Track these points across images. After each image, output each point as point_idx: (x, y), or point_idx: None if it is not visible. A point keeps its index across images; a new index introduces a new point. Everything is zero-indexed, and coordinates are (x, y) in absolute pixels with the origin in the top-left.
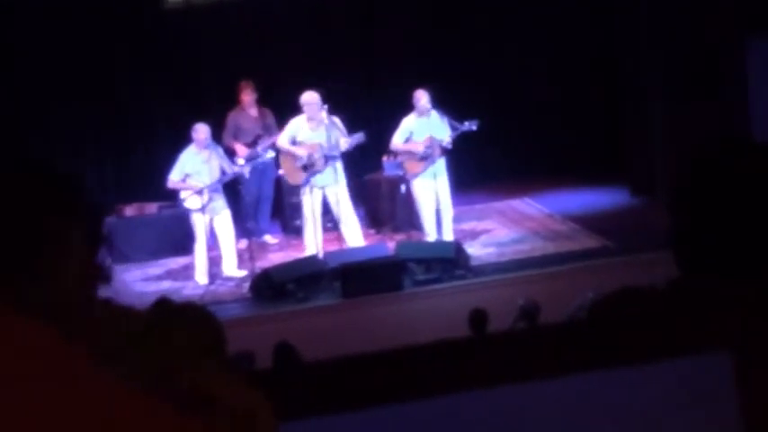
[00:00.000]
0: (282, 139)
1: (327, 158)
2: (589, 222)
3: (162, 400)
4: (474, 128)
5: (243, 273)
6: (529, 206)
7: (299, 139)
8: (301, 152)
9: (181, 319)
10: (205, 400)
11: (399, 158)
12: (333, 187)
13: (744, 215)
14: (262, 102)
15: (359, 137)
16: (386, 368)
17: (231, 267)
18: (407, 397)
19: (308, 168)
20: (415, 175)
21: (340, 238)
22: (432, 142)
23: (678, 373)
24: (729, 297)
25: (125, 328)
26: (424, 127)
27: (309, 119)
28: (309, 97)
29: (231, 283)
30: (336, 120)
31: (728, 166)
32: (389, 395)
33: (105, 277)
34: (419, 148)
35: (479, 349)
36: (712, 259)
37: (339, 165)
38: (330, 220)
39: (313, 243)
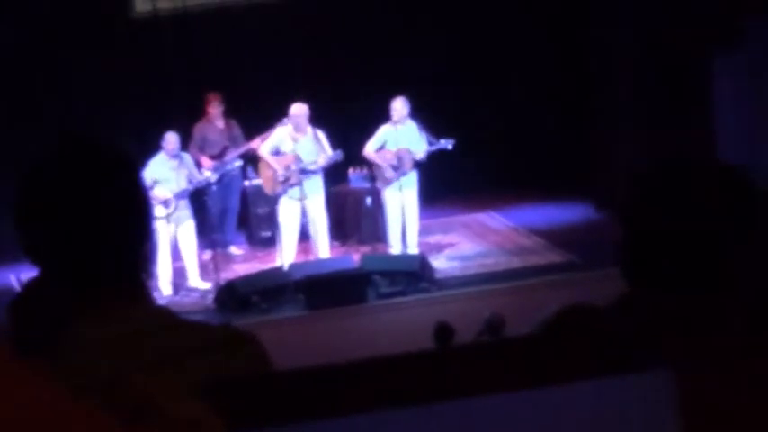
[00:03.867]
0: (265, 148)
1: (303, 172)
2: (554, 237)
3: (106, 412)
4: (449, 147)
5: (207, 284)
6: (494, 220)
7: (282, 149)
8: (277, 166)
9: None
10: (149, 412)
11: (372, 167)
12: (309, 200)
13: (685, 232)
14: (229, 113)
15: (337, 154)
16: (349, 379)
17: (195, 278)
18: (369, 408)
19: (286, 181)
20: (386, 185)
21: (306, 250)
22: (401, 154)
23: (620, 389)
24: (673, 314)
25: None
26: (399, 137)
27: (295, 130)
28: (298, 109)
29: (195, 294)
30: (321, 134)
31: (671, 183)
32: (351, 406)
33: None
34: (391, 158)
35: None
36: (656, 275)
37: (318, 178)
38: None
39: (286, 254)
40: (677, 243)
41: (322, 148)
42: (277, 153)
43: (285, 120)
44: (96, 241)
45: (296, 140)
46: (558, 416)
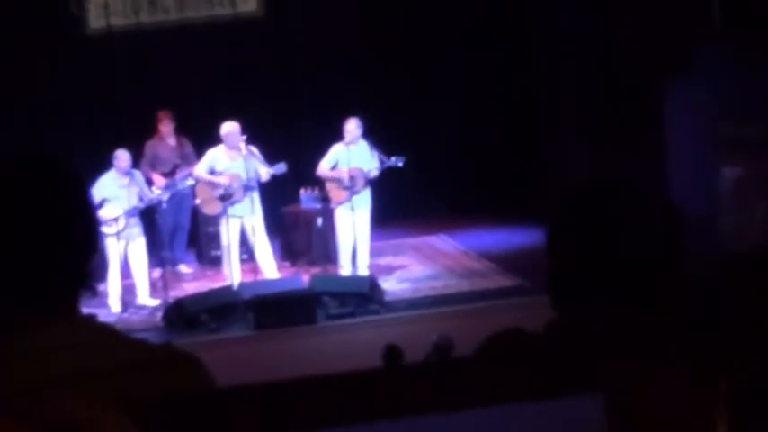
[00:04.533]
0: (200, 169)
1: (246, 189)
2: (504, 261)
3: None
4: (400, 164)
5: (156, 302)
6: (444, 243)
7: (217, 169)
8: (222, 180)
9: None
10: (71, 427)
11: (326, 186)
12: (250, 218)
13: (611, 259)
14: (180, 131)
15: (280, 167)
16: (294, 396)
17: (144, 296)
18: (316, 426)
19: (226, 199)
20: (339, 204)
21: (255, 270)
22: (354, 173)
23: (550, 414)
24: (601, 339)
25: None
26: (351, 156)
27: (228, 149)
28: (229, 128)
29: (144, 312)
30: (254, 150)
31: (595, 211)
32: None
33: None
34: (344, 176)
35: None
36: (583, 302)
37: (256, 195)
38: (245, 251)
39: (231, 273)
40: (603, 270)
41: (261, 162)
42: (212, 173)
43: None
44: (38, 256)
45: (231, 158)
46: None
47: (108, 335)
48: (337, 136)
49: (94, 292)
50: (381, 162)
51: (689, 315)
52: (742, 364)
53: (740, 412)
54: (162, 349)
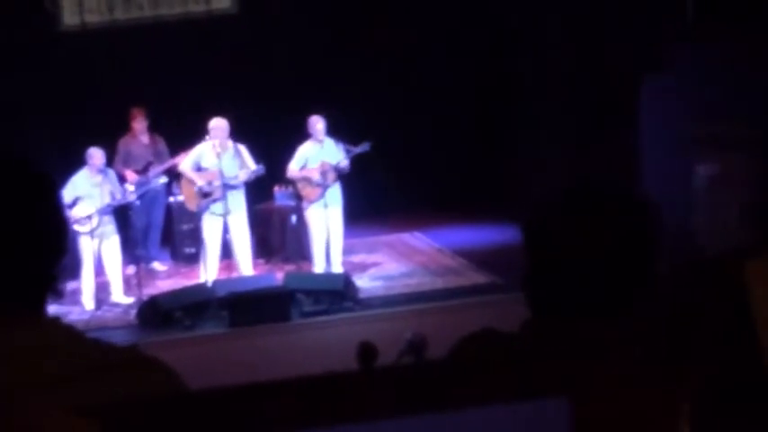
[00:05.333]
0: (186, 164)
1: (226, 187)
2: (478, 258)
3: None
4: (367, 148)
5: (130, 300)
6: (419, 240)
7: (203, 164)
8: (200, 181)
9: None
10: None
11: (295, 186)
12: (232, 215)
13: (583, 261)
14: (153, 128)
15: (259, 169)
16: (271, 398)
17: (118, 293)
18: (292, 428)
19: (206, 196)
20: (311, 203)
21: (230, 267)
22: (325, 168)
23: (517, 417)
24: (570, 341)
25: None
26: (319, 154)
27: (215, 146)
28: (217, 123)
29: (118, 309)
30: (242, 148)
31: (569, 213)
32: (273, 426)
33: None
34: (314, 174)
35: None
36: (557, 303)
37: (240, 193)
38: (221, 248)
39: (209, 270)
40: (576, 272)
41: (243, 162)
42: (199, 169)
43: (207, 137)
44: (5, 258)
45: (218, 156)
46: None
47: (73, 337)
48: (306, 133)
49: (60, 295)
50: (348, 152)
51: (656, 316)
52: (707, 366)
53: (704, 414)
54: (127, 352)
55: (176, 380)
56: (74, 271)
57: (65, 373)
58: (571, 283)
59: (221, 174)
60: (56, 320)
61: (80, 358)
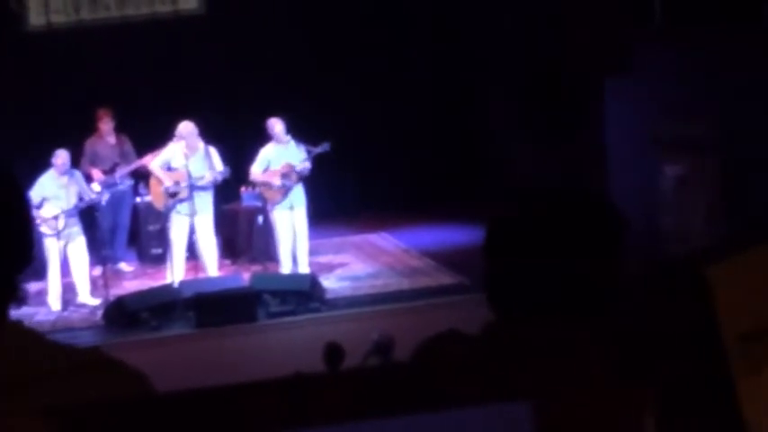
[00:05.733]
0: (156, 163)
1: (193, 188)
2: (445, 258)
3: None
4: (327, 149)
5: (97, 301)
6: (385, 241)
7: (173, 164)
8: (167, 182)
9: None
10: None
11: (258, 188)
12: (198, 217)
13: (546, 262)
14: (120, 129)
15: (224, 171)
16: (237, 400)
17: (84, 295)
18: (259, 430)
19: (173, 196)
20: (275, 204)
21: (196, 267)
22: (287, 170)
23: (479, 420)
24: (533, 344)
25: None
26: (281, 155)
27: (186, 147)
28: (185, 127)
29: (84, 310)
30: (212, 150)
31: (530, 213)
32: (240, 428)
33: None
34: (277, 176)
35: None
36: (519, 305)
37: (210, 195)
38: (187, 249)
39: (176, 271)
40: (538, 273)
41: (212, 164)
42: (169, 168)
43: (176, 139)
44: None
45: (187, 157)
46: None
47: (34, 341)
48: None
49: (23, 301)
50: (308, 152)
51: (620, 318)
52: (672, 367)
53: (668, 416)
54: (89, 353)
55: (140, 381)
56: (40, 272)
57: (27, 377)
58: (531, 284)
59: (189, 175)
60: (18, 324)
61: (42, 362)
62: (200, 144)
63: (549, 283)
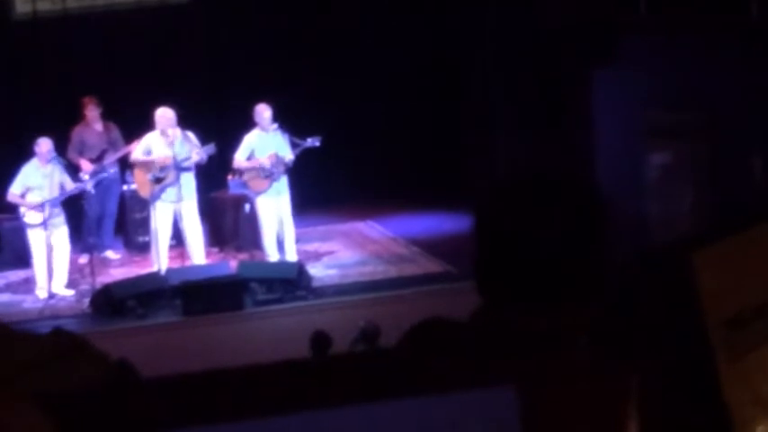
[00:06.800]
0: (137, 153)
1: (179, 170)
2: (432, 247)
3: None
4: (317, 143)
5: (71, 292)
6: (372, 229)
7: (153, 153)
8: (152, 168)
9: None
10: None
11: (244, 176)
12: (183, 203)
13: (535, 246)
14: (107, 116)
15: (209, 148)
16: (225, 387)
17: (59, 285)
18: (245, 416)
19: (159, 182)
20: (260, 193)
21: (183, 255)
22: (273, 159)
23: (464, 406)
24: (517, 330)
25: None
26: (266, 143)
27: (163, 134)
28: (162, 113)
29: (71, 298)
30: (190, 134)
31: (516, 198)
32: (227, 413)
33: None
34: (264, 164)
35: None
36: (506, 289)
37: (191, 180)
38: (174, 237)
39: (161, 258)
40: (523, 259)
41: (193, 146)
42: (149, 155)
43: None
44: None
45: (165, 143)
46: (404, 429)
47: (4, 332)
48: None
49: None
50: (295, 145)
51: (604, 306)
52: (654, 355)
53: (651, 402)
54: (53, 338)
55: (104, 360)
56: (27, 260)
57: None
58: (520, 270)
59: (174, 158)
60: None
61: (15, 352)
62: (178, 130)
63: (535, 268)
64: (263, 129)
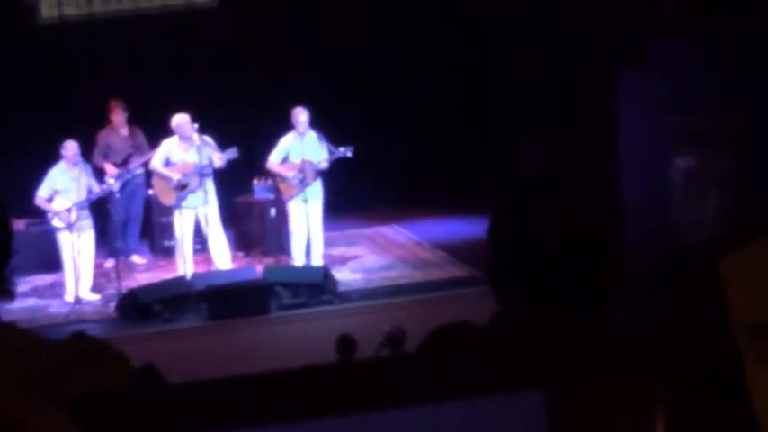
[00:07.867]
0: (156, 161)
1: (201, 176)
2: (457, 251)
3: None
4: (349, 154)
5: (96, 296)
6: (398, 233)
7: (172, 160)
8: (175, 175)
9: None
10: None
11: (272, 180)
12: (204, 208)
13: (552, 251)
14: (133, 121)
15: (232, 152)
16: (250, 391)
17: (85, 290)
18: (271, 421)
19: (183, 188)
20: (290, 198)
21: (208, 260)
22: (305, 166)
23: (490, 410)
24: (542, 334)
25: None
26: (300, 147)
27: (181, 140)
28: (180, 119)
29: (97, 302)
30: (208, 138)
31: (533, 203)
32: (253, 418)
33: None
34: (293, 171)
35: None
36: (524, 296)
37: (211, 186)
38: (199, 242)
39: (183, 264)
40: (542, 264)
41: (215, 150)
42: (168, 164)
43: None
44: None
45: (185, 149)
46: None
47: (30, 340)
48: (287, 125)
49: (12, 296)
50: (330, 153)
51: (631, 312)
52: (681, 362)
53: (678, 411)
54: (75, 341)
55: (125, 363)
56: (54, 265)
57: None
58: (536, 275)
59: (195, 165)
60: (11, 325)
61: (40, 357)
62: (195, 135)
63: (550, 276)
64: (299, 132)
